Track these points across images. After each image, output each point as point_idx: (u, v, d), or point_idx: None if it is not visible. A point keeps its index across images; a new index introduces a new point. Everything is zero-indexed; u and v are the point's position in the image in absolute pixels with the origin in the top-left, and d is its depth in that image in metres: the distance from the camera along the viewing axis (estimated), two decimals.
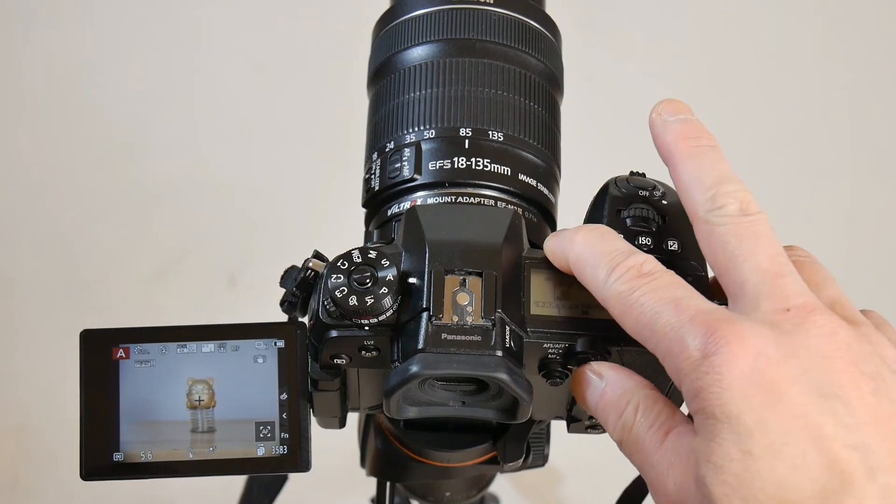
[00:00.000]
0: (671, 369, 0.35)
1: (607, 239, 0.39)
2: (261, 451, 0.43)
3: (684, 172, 0.38)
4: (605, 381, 0.39)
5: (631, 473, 0.46)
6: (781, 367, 0.33)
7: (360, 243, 0.45)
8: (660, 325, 0.35)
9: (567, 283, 0.40)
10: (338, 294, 0.39)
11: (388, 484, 0.58)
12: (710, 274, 0.41)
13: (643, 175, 0.45)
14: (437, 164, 0.45)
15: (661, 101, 0.40)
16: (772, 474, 0.32)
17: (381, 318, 0.39)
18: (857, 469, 0.32)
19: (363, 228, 0.49)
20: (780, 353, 0.33)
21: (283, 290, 0.43)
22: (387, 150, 0.47)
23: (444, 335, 0.38)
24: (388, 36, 0.50)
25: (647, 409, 0.37)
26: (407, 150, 0.46)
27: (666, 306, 0.35)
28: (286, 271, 0.44)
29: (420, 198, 0.45)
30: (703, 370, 0.34)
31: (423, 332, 0.38)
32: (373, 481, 0.58)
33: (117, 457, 0.42)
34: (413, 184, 0.45)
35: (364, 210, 0.49)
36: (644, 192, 0.43)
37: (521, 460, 0.52)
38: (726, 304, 0.37)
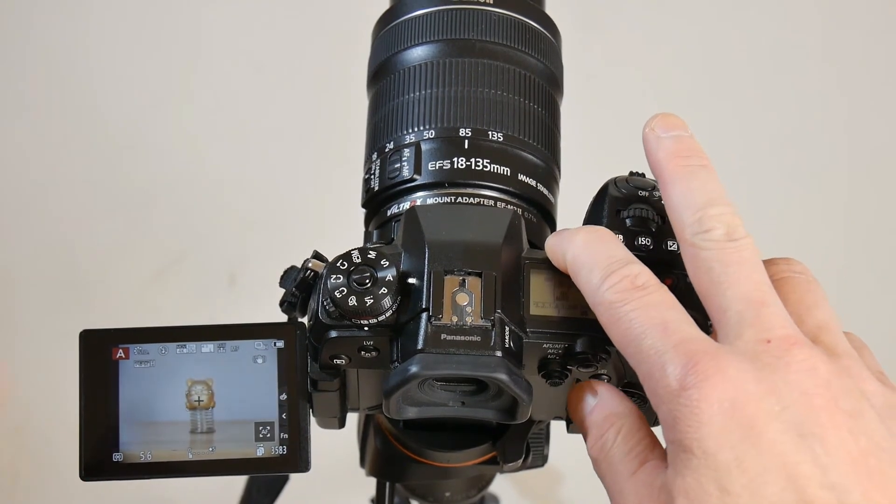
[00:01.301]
0: (649, 392, 0.35)
1: (607, 243, 0.39)
2: (260, 452, 0.43)
3: (673, 192, 0.38)
4: (597, 399, 0.39)
5: None
6: (761, 403, 0.33)
7: (360, 244, 0.45)
8: (644, 346, 0.35)
9: (567, 284, 0.40)
10: (337, 294, 0.39)
11: (387, 484, 0.57)
12: None
13: (643, 175, 0.45)
14: (437, 165, 0.45)
15: (655, 116, 0.39)
16: None
17: (380, 318, 0.39)
18: None
19: (362, 229, 0.49)
20: (760, 389, 0.33)
21: (282, 291, 0.43)
22: (386, 150, 0.47)
23: (443, 335, 0.38)
24: (388, 36, 0.50)
25: (629, 435, 0.38)
26: (406, 150, 0.46)
27: (654, 328, 0.35)
28: (286, 271, 0.44)
29: (420, 198, 0.45)
30: (680, 401, 0.34)
31: (422, 332, 0.38)
32: (372, 481, 0.58)
33: (117, 457, 0.42)
34: (413, 184, 0.45)
35: (363, 210, 0.49)
36: (643, 193, 0.43)
37: (521, 460, 0.52)
38: None
